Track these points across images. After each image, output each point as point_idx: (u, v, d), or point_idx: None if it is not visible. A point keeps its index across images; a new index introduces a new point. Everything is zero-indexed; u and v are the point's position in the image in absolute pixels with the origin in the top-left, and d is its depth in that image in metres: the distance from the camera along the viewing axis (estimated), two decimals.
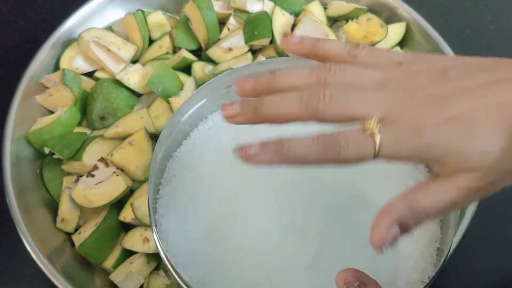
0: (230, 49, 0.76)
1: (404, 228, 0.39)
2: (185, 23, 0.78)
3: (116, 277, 0.63)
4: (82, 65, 0.76)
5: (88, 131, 0.72)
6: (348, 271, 0.40)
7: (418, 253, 0.52)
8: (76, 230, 0.67)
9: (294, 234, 0.52)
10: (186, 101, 0.58)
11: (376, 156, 0.38)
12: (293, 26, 0.78)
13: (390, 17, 0.78)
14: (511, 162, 0.37)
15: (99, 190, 0.64)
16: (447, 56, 0.43)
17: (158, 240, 0.50)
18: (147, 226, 0.63)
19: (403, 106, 0.39)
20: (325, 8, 0.81)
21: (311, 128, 0.41)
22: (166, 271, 0.63)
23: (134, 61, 0.78)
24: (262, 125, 0.53)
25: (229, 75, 0.59)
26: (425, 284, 0.48)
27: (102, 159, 0.66)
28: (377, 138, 0.38)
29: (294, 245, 0.52)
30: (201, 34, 0.77)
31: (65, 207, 0.66)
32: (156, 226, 0.53)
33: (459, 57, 0.43)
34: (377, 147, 0.38)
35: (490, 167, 0.37)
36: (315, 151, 0.40)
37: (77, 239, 0.65)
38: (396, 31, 0.77)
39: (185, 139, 0.60)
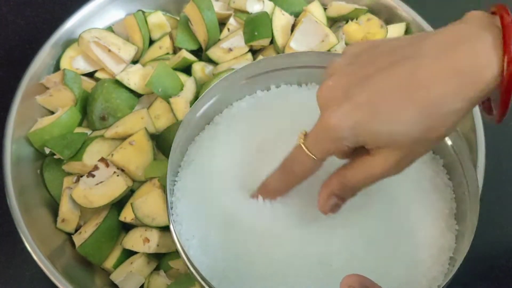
0: (230, 50, 0.76)
1: (341, 198, 0.47)
2: (185, 24, 0.78)
3: (116, 277, 0.63)
4: (82, 66, 0.76)
5: (88, 132, 0.72)
6: (351, 276, 0.41)
7: (431, 260, 0.52)
8: (76, 230, 0.67)
9: (307, 230, 0.52)
10: (213, 87, 0.58)
11: (318, 159, 0.45)
12: (293, 27, 0.78)
13: (390, 17, 0.79)
14: (419, 133, 0.41)
15: (100, 190, 0.64)
16: (365, 42, 0.46)
17: (172, 222, 0.50)
18: (148, 226, 0.63)
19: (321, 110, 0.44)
20: (325, 9, 0.81)
21: None
22: (166, 271, 0.64)
23: (135, 62, 0.78)
24: (280, 117, 0.58)
25: (258, 64, 0.60)
26: None
27: (102, 159, 0.66)
28: (304, 147, 0.45)
29: (307, 241, 0.52)
30: (201, 35, 0.77)
31: (65, 207, 0.66)
32: (172, 208, 0.53)
33: (375, 40, 0.46)
34: (309, 154, 0.45)
35: (399, 141, 0.41)
36: (282, 181, 0.51)
37: (78, 239, 0.65)
38: (396, 31, 0.77)
39: (208, 124, 0.60)
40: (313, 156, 0.45)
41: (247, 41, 0.76)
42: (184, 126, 0.56)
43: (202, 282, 0.48)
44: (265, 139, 0.58)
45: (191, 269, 0.49)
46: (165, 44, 0.79)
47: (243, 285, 0.51)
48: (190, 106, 0.71)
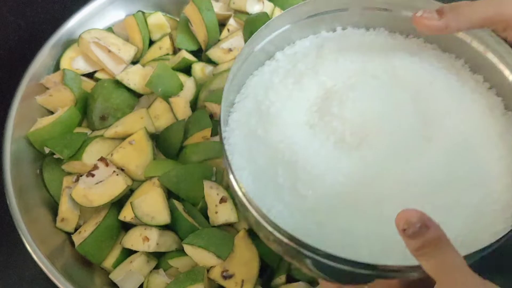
0: (230, 50, 0.76)
1: (444, 21, 0.47)
2: (185, 24, 0.79)
3: (116, 276, 0.63)
4: (82, 66, 0.77)
5: (88, 132, 0.72)
6: (409, 211, 0.40)
7: (493, 215, 0.49)
8: (76, 229, 0.67)
9: (365, 168, 0.51)
10: (274, 20, 0.57)
11: None
12: None
13: None
14: None
15: (99, 189, 0.64)
16: None
17: (225, 150, 0.50)
18: (147, 225, 0.63)
19: None
20: None
21: None
22: (166, 270, 0.63)
23: (135, 62, 0.79)
24: (344, 60, 0.57)
25: (323, 1, 0.58)
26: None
27: (102, 159, 0.66)
28: None
29: (363, 179, 0.50)
30: (201, 35, 0.77)
31: (65, 207, 0.66)
32: (225, 138, 0.53)
33: None
34: None
35: None
36: None
37: (77, 239, 0.65)
38: None
39: (269, 60, 0.60)
40: None
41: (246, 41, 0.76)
42: (241, 57, 0.55)
43: (252, 210, 0.47)
44: (326, 79, 0.56)
45: (240, 195, 0.48)
46: (165, 45, 0.79)
47: (294, 217, 0.50)
48: (190, 106, 0.72)
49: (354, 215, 0.49)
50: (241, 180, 0.50)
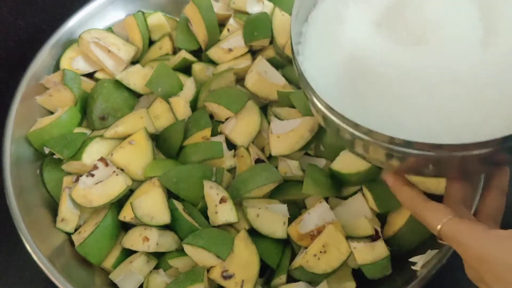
0: (230, 50, 0.76)
1: None
2: (185, 24, 0.78)
3: (115, 276, 0.63)
4: (82, 66, 0.77)
5: (88, 132, 0.72)
6: None
7: None
8: (76, 229, 0.67)
9: (429, 59, 0.52)
10: None
11: None
12: None
13: None
14: None
15: (99, 189, 0.64)
16: None
17: (293, 44, 0.53)
18: (147, 225, 0.63)
19: None
20: None
21: None
22: (166, 270, 0.63)
23: (135, 62, 0.78)
24: None
25: None
26: None
27: (102, 159, 0.66)
28: None
29: (425, 67, 0.52)
30: (201, 35, 0.77)
31: (65, 207, 0.66)
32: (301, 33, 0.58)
33: None
34: None
35: None
36: None
37: (77, 239, 0.65)
38: None
39: None
40: None
41: (247, 41, 0.76)
42: None
43: (319, 105, 0.49)
44: None
45: (305, 87, 0.51)
46: (165, 45, 0.79)
47: (344, 101, 0.52)
48: (190, 106, 0.72)
49: (402, 103, 0.51)
50: (308, 70, 0.53)
